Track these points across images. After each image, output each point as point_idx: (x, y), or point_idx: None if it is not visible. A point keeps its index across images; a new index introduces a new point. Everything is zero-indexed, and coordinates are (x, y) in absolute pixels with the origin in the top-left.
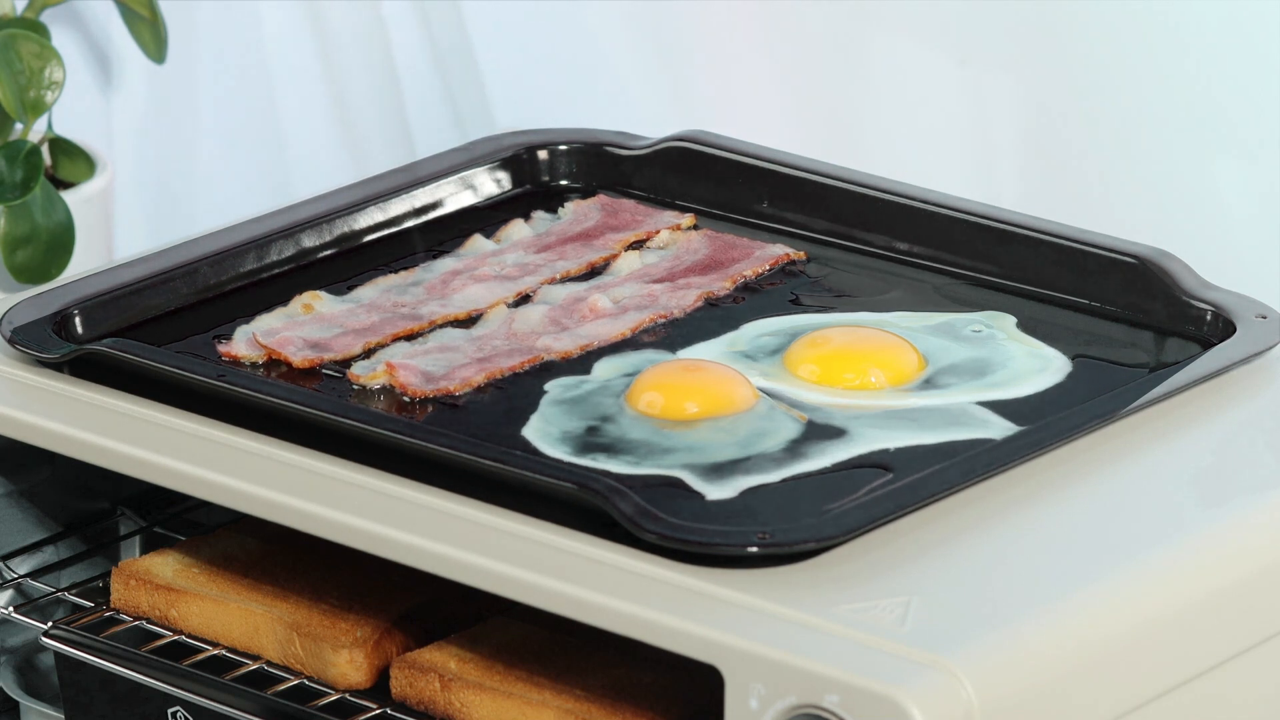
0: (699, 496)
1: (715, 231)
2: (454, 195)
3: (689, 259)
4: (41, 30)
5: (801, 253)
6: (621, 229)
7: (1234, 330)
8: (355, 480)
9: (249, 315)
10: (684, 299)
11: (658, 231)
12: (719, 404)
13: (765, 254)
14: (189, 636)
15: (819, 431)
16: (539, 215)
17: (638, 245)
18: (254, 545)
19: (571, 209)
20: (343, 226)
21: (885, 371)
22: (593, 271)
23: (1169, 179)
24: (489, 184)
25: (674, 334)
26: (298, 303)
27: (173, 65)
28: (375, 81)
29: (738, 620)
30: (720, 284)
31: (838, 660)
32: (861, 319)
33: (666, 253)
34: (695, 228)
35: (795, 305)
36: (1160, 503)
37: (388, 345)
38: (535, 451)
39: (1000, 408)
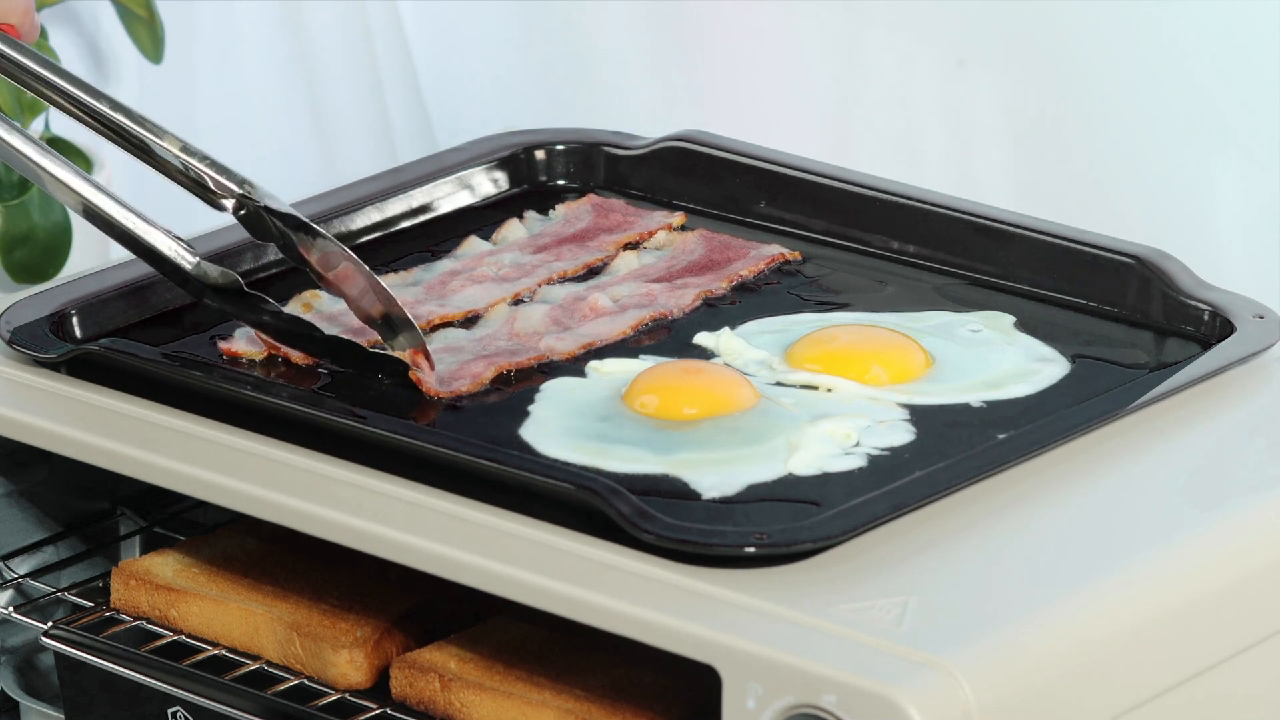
0: (696, 496)
1: (710, 231)
2: (451, 195)
3: (685, 259)
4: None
5: (797, 253)
6: (614, 230)
7: (1232, 330)
8: (355, 480)
9: None
10: (682, 299)
11: (652, 232)
12: (718, 406)
13: (761, 254)
14: (189, 636)
15: (817, 430)
16: (531, 216)
17: (634, 246)
18: (254, 545)
19: (562, 210)
20: (340, 226)
21: (887, 369)
22: (590, 272)
23: (1166, 179)
24: (486, 184)
25: (674, 333)
26: (297, 301)
27: (170, 65)
28: (372, 82)
29: (735, 620)
30: (717, 284)
31: (835, 660)
32: (860, 319)
33: (663, 253)
34: (685, 227)
35: (794, 305)
36: (1159, 503)
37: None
38: (534, 452)
39: (999, 408)
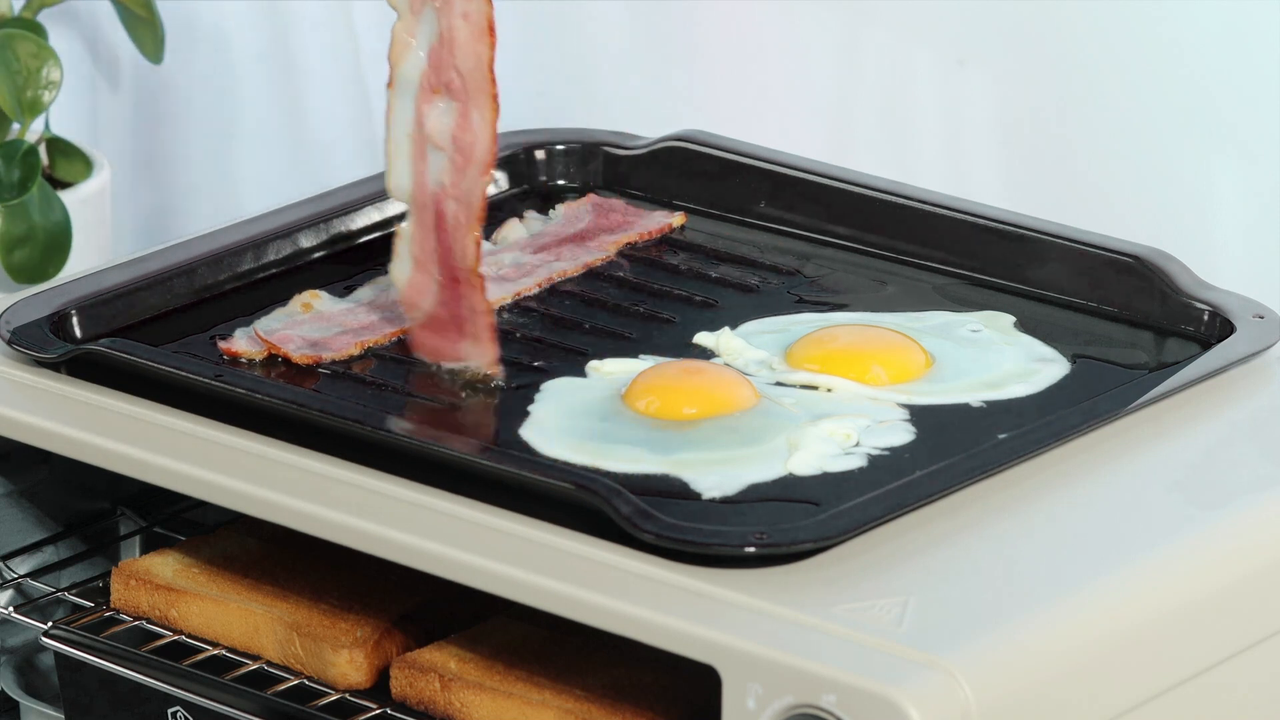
0: (696, 496)
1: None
2: None
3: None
4: (39, 30)
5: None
6: (614, 229)
7: (1232, 330)
8: (355, 480)
9: (247, 315)
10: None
11: (652, 232)
12: (718, 406)
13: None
14: (189, 636)
15: (817, 430)
16: (531, 215)
17: (634, 246)
18: (254, 545)
19: (562, 210)
20: (340, 226)
21: (887, 369)
22: (590, 273)
23: (1166, 179)
24: None
25: (674, 333)
26: (297, 302)
27: (170, 65)
28: (364, 80)
29: (735, 620)
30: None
31: (835, 660)
32: (860, 319)
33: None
34: (685, 226)
35: (794, 305)
36: (1158, 502)
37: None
38: (534, 452)
39: (1000, 408)
